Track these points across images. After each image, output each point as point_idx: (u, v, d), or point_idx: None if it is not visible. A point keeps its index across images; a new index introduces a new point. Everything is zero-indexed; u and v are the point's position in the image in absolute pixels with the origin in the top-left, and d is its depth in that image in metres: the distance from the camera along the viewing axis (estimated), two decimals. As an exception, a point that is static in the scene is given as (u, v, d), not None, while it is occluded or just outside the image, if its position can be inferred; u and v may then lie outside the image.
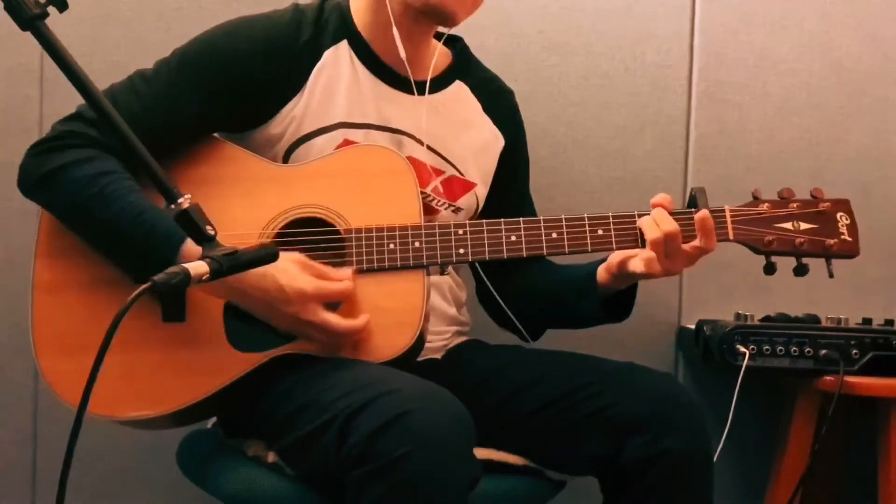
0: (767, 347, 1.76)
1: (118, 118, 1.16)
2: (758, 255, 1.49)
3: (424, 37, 1.56)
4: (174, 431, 1.56)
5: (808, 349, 1.76)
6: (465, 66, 1.64)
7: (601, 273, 1.51)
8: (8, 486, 1.97)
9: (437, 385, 1.29)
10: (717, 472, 1.44)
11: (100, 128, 1.40)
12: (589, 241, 1.45)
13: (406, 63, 1.51)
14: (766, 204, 1.49)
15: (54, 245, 1.43)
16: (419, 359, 1.46)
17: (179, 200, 1.17)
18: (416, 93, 1.55)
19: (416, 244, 1.41)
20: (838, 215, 1.49)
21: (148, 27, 1.95)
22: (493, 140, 1.66)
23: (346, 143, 1.49)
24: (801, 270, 1.47)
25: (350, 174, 1.44)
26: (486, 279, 1.63)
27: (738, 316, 1.84)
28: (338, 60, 1.51)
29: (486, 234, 1.43)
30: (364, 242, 1.42)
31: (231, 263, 1.13)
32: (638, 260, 1.43)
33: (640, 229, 1.44)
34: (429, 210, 1.55)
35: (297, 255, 1.38)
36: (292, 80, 1.48)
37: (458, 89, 1.63)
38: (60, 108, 1.94)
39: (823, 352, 1.76)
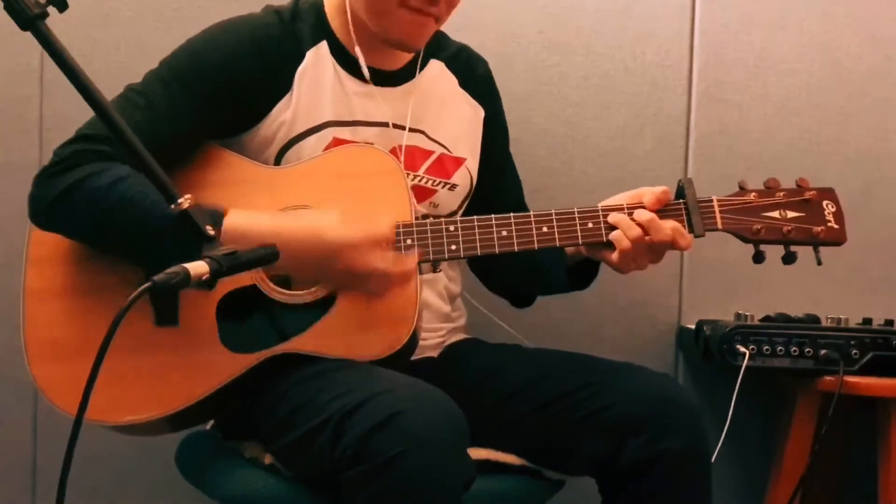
0: (767, 347, 1.76)
1: (118, 118, 1.16)
2: (746, 244, 1.49)
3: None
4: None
5: (808, 349, 1.76)
6: (436, 43, 1.65)
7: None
8: (8, 486, 1.97)
9: (430, 385, 1.29)
10: (716, 473, 1.44)
11: (103, 141, 1.39)
12: (580, 234, 1.45)
13: (379, 63, 1.54)
14: (753, 193, 1.49)
15: (44, 253, 1.43)
16: (415, 357, 1.46)
17: (180, 200, 1.17)
18: (396, 84, 1.57)
19: (408, 242, 1.41)
20: (824, 203, 1.49)
21: (148, 27, 1.95)
22: (473, 114, 1.68)
23: (336, 141, 1.50)
24: (789, 258, 1.47)
25: (341, 175, 1.45)
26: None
27: (738, 316, 1.84)
28: (319, 60, 1.52)
29: (476, 231, 1.44)
30: None
31: (231, 263, 1.13)
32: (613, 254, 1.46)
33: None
34: (425, 192, 1.57)
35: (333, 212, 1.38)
36: (279, 79, 1.49)
37: (434, 67, 1.64)
38: (60, 108, 1.94)
39: (823, 352, 1.76)
